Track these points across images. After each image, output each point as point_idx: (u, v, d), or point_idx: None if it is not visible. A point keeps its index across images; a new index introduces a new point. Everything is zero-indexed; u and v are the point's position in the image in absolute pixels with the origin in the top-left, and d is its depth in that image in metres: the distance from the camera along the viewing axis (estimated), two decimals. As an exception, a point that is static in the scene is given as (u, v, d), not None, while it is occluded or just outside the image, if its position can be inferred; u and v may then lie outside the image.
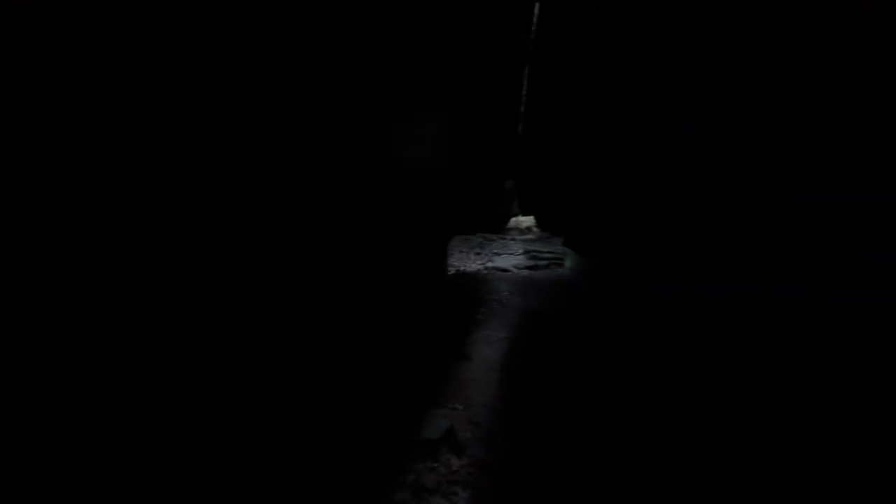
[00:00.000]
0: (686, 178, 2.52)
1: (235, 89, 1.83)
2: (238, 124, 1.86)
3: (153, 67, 1.53)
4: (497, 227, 8.28)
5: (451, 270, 5.63)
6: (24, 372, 1.30)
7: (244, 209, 1.92)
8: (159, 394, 1.61)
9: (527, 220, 9.40)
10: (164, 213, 1.59)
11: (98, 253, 1.44)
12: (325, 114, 2.35)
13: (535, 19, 4.14)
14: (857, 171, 1.81)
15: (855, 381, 1.85)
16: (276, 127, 2.05)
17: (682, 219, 2.58)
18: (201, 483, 1.72)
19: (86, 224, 1.41)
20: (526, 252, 7.00)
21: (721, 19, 2.16)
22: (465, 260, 6.45)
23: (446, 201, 3.74)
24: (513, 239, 8.35)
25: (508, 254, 6.96)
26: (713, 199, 2.37)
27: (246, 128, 1.89)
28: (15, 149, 1.26)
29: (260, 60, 1.93)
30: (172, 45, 1.57)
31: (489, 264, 6.17)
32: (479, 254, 6.93)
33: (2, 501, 1.25)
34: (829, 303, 1.94)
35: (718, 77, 2.22)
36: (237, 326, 1.93)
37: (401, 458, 1.99)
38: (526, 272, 5.78)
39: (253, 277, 2.00)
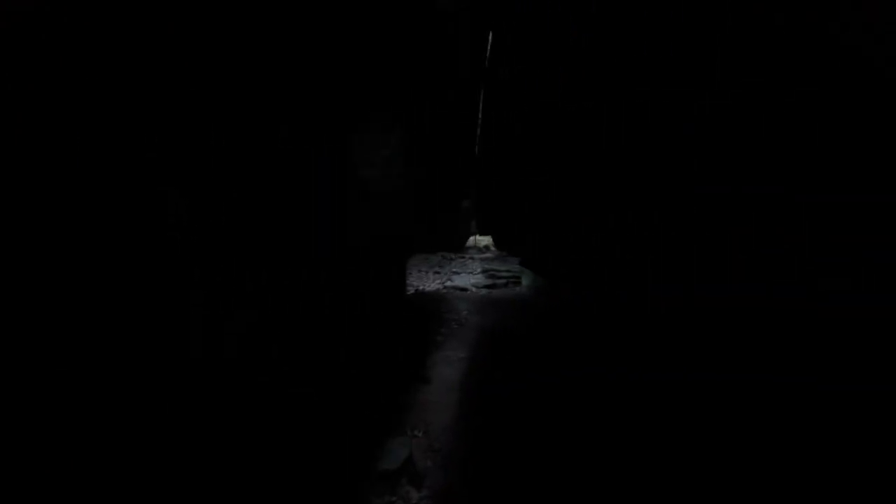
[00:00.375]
0: (686, 178, 2.52)
1: (236, 89, 1.83)
2: (238, 124, 1.86)
3: (153, 68, 1.53)
4: (456, 245, 8.35)
5: (411, 290, 5.63)
6: (25, 371, 1.30)
7: (244, 209, 1.92)
8: (159, 393, 1.61)
9: (485, 239, 9.44)
10: (164, 213, 1.59)
11: (98, 253, 1.44)
12: (325, 114, 2.35)
13: (489, 42, 4.13)
14: (857, 171, 1.81)
15: (855, 381, 1.85)
16: (276, 127, 2.05)
17: (682, 219, 2.58)
18: (200, 482, 1.72)
19: (86, 224, 1.41)
20: (484, 271, 7.04)
21: (721, 19, 2.16)
22: (425, 279, 6.43)
23: (407, 219, 3.72)
24: (471, 258, 8.38)
25: (467, 273, 6.99)
26: (713, 199, 2.37)
27: (246, 128, 1.89)
28: (15, 149, 1.26)
29: (261, 59, 1.93)
30: (172, 45, 1.57)
31: (448, 283, 6.15)
32: (438, 273, 6.93)
33: (2, 501, 1.25)
34: (829, 303, 1.94)
35: (718, 77, 2.22)
36: (237, 326, 1.93)
37: (356, 494, 1.90)
38: (485, 291, 5.77)
39: (253, 277, 2.00)
